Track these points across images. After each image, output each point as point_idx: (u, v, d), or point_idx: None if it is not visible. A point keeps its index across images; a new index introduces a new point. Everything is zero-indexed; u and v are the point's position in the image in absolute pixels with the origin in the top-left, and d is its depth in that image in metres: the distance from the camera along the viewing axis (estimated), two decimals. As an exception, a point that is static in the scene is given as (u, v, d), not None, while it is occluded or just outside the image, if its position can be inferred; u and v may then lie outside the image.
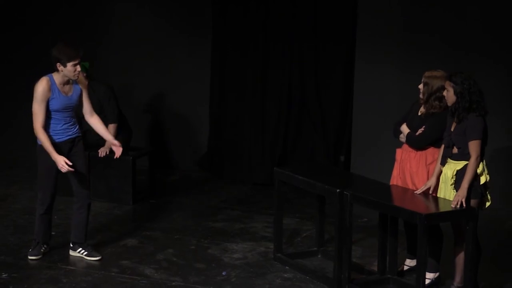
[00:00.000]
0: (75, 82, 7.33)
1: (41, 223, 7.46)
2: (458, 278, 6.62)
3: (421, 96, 6.90)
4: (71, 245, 7.58)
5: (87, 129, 9.20)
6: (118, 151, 7.48)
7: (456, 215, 6.39)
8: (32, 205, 8.74)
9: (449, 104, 6.53)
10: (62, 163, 7.10)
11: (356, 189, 6.94)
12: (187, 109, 10.99)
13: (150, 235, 8.29)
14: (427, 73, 6.89)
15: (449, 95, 6.50)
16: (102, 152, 9.13)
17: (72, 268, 7.32)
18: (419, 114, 6.95)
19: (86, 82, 7.49)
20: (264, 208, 9.22)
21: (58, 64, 7.11)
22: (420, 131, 6.86)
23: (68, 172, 7.26)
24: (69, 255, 7.56)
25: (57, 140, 7.26)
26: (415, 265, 6.69)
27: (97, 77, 9.54)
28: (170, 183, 10.38)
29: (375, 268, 7.17)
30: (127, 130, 9.48)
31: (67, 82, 7.23)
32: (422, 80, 6.88)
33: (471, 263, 6.40)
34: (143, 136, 10.95)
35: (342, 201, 6.82)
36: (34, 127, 7.22)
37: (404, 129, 6.96)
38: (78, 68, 7.14)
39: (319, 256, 7.73)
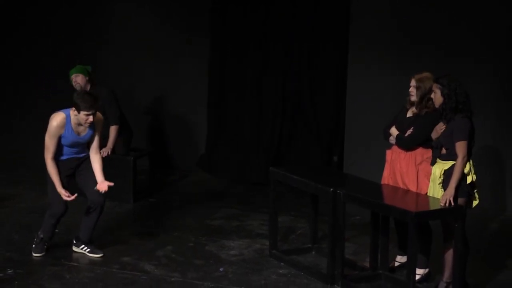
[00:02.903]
0: (93, 123, 7.37)
1: (51, 226, 7.58)
2: (447, 274, 6.71)
3: (413, 99, 6.99)
4: (75, 241, 7.70)
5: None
6: (101, 186, 7.44)
7: (444, 213, 6.49)
8: (36, 204, 8.85)
9: (437, 105, 6.66)
10: (64, 195, 7.28)
11: (349, 188, 7.03)
12: (186, 110, 11.05)
13: (150, 232, 8.37)
14: (417, 76, 6.98)
15: (437, 96, 6.63)
16: (104, 152, 9.13)
17: (75, 264, 7.40)
18: (408, 116, 7.05)
19: (102, 117, 7.60)
20: (260, 207, 9.30)
21: (73, 108, 7.24)
22: (409, 132, 6.96)
23: (80, 183, 7.50)
24: (72, 252, 7.65)
25: (63, 158, 7.44)
26: (406, 262, 6.77)
27: (98, 79, 9.58)
28: (170, 183, 10.45)
29: (367, 264, 7.27)
30: (128, 131, 9.52)
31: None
32: (413, 84, 6.96)
33: (460, 259, 6.49)
34: (144, 137, 11.00)
35: (335, 200, 6.90)
36: (45, 157, 7.37)
37: (393, 131, 7.06)
38: (90, 118, 7.20)
39: (313, 252, 7.81)
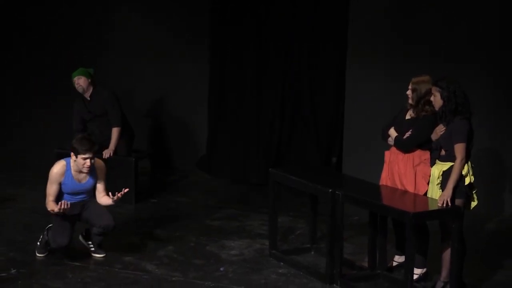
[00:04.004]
0: (95, 169, 7.40)
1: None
2: (444, 273, 6.77)
3: (410, 101, 7.03)
4: (84, 234, 7.73)
5: (92, 131, 9.46)
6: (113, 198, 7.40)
7: (442, 214, 6.56)
8: (37, 204, 8.85)
9: (437, 108, 6.72)
10: (55, 206, 7.22)
11: (348, 189, 7.09)
12: (186, 112, 11.07)
13: (152, 232, 8.43)
14: (414, 79, 7.03)
15: (436, 99, 6.69)
16: (106, 153, 9.25)
17: (77, 264, 7.45)
18: (407, 118, 7.10)
19: (104, 165, 7.60)
20: (259, 207, 9.33)
21: (72, 153, 7.28)
22: (407, 134, 7.01)
23: (86, 216, 7.45)
24: (75, 251, 7.65)
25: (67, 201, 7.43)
26: (404, 261, 6.81)
27: (98, 81, 9.61)
28: (170, 183, 10.48)
29: (366, 264, 7.33)
30: (129, 132, 9.58)
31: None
32: (410, 86, 7.02)
33: (457, 259, 6.57)
34: (144, 138, 11.02)
35: (334, 200, 6.96)
36: (46, 203, 7.40)
37: (392, 132, 7.11)
38: (88, 162, 7.23)
39: (312, 252, 7.87)
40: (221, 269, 7.46)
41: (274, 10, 10.37)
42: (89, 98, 9.39)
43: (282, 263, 7.60)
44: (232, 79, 10.70)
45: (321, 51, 10.24)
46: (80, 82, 9.31)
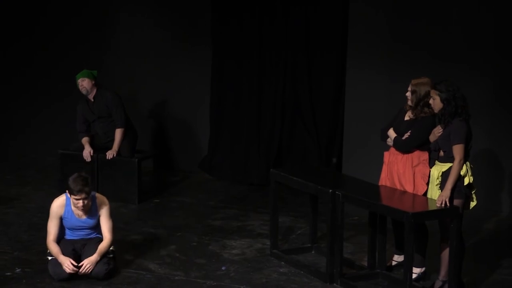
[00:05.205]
0: (96, 207, 7.25)
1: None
2: (443, 272, 6.84)
3: (409, 103, 7.09)
4: None
5: (95, 132, 9.55)
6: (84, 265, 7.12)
7: (440, 213, 6.62)
8: (43, 204, 8.91)
9: (436, 111, 6.78)
10: (67, 263, 7.03)
11: (347, 189, 7.14)
12: (188, 114, 11.08)
13: (154, 232, 8.48)
14: (413, 81, 7.08)
15: (436, 102, 6.75)
16: (109, 154, 9.31)
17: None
18: (406, 119, 7.16)
19: (106, 201, 7.32)
20: (260, 207, 9.37)
21: (67, 191, 7.14)
22: (406, 135, 7.06)
23: (82, 258, 7.18)
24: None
25: (67, 238, 7.32)
26: (403, 261, 6.86)
27: (103, 84, 9.69)
28: (173, 184, 10.49)
29: (365, 263, 7.39)
30: (133, 134, 9.60)
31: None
32: (410, 88, 7.07)
33: (455, 259, 6.62)
34: (148, 139, 11.04)
35: (334, 200, 7.02)
36: (46, 241, 7.23)
37: (391, 133, 7.16)
38: (80, 203, 7.02)
39: (312, 252, 7.91)
40: (223, 268, 7.52)
41: (274, 10, 10.39)
42: (92, 100, 9.46)
43: (283, 263, 7.65)
44: (232, 79, 10.71)
45: (321, 51, 10.26)
46: (84, 83, 9.37)
